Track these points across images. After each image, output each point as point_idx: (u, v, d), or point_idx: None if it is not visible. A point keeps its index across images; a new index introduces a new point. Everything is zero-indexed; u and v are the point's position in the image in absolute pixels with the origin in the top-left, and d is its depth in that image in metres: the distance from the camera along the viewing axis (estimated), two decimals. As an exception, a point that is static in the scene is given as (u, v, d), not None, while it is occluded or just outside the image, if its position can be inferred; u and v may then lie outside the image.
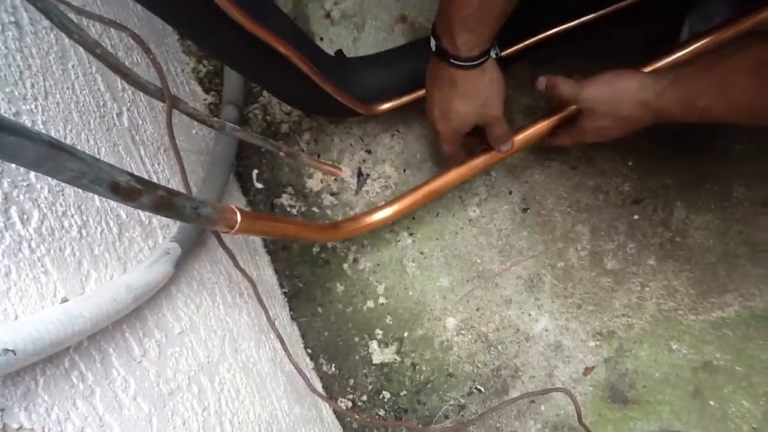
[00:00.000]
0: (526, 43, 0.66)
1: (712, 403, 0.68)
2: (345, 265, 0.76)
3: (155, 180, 0.60)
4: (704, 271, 0.70)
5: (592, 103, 0.56)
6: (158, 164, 0.60)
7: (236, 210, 0.47)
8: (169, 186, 0.59)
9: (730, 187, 0.71)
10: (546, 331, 0.72)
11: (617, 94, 0.54)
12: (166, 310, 0.54)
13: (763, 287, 0.70)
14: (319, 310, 0.77)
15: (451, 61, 0.55)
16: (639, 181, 0.72)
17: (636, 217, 0.72)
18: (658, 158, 0.72)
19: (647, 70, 0.59)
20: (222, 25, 0.48)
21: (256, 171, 0.79)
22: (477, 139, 0.62)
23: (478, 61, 0.54)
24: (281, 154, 0.59)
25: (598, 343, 0.71)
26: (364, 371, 0.75)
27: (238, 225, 0.47)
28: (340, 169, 0.67)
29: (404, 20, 0.78)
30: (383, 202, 0.67)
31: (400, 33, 0.78)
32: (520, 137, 0.63)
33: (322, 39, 0.80)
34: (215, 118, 0.50)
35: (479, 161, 0.64)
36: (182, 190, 0.50)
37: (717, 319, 0.70)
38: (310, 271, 0.77)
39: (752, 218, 0.70)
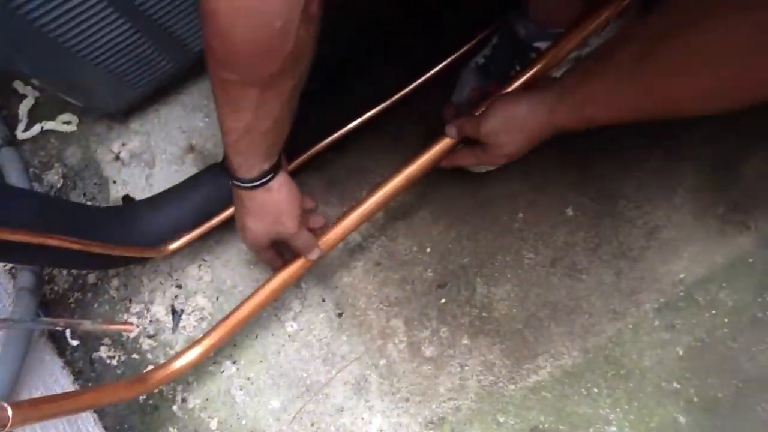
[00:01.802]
0: (310, 152, 0.77)
1: (544, 467, 0.78)
2: (174, 407, 0.82)
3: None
4: (514, 340, 0.81)
5: (493, 136, 0.64)
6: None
7: (6, 406, 0.51)
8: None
9: (521, 254, 0.83)
10: (381, 431, 0.80)
11: (513, 122, 0.61)
12: None
13: (569, 344, 0.81)
14: (155, 460, 0.82)
15: (233, 182, 0.62)
16: (439, 265, 0.83)
17: (443, 300, 0.82)
18: (451, 241, 0.83)
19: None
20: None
21: (69, 329, 0.85)
22: (286, 246, 0.70)
23: (259, 182, 0.61)
24: (59, 328, 0.65)
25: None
26: None
27: (11, 421, 0.53)
28: (131, 323, 0.74)
29: (192, 150, 0.87)
30: (201, 335, 0.74)
31: (190, 163, 0.87)
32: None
33: (115, 182, 0.87)
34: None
35: (288, 272, 0.72)
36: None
37: (534, 384, 0.80)
38: (140, 421, 0.83)
39: (546, 280, 0.82)
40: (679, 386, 0.80)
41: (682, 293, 0.82)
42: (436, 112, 0.74)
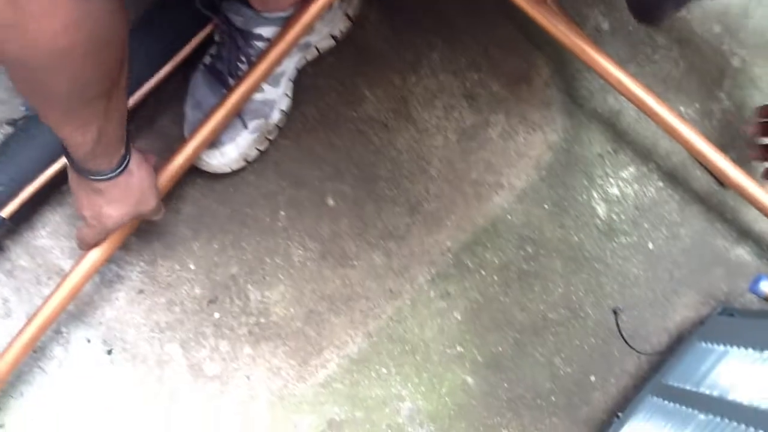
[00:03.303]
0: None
1: (345, 458, 0.83)
2: (-62, 492, 0.79)
3: None
4: (297, 340, 0.85)
5: None
6: None
7: None
8: None
9: (289, 253, 0.87)
10: (173, 462, 0.81)
11: None
12: None
13: (351, 332, 0.87)
14: None
15: (90, 179, 0.62)
16: (207, 280, 0.85)
17: (217, 315, 0.85)
18: (215, 253, 0.86)
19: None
20: None
21: None
22: None
23: (120, 169, 0.63)
24: None
25: (225, 452, 0.82)
26: None
27: None
28: None
29: None
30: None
31: None
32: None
33: None
34: None
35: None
36: None
37: (324, 378, 0.85)
38: None
39: (318, 273, 0.87)
40: (462, 350, 0.88)
41: (451, 260, 0.90)
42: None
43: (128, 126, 0.63)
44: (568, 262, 0.93)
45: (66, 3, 0.37)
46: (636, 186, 0.94)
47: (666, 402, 0.79)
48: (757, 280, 0.82)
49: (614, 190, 0.94)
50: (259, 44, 0.82)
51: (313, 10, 0.80)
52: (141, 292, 0.87)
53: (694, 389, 0.78)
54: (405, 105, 0.93)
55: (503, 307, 0.91)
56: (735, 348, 0.78)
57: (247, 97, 0.80)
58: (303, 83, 0.90)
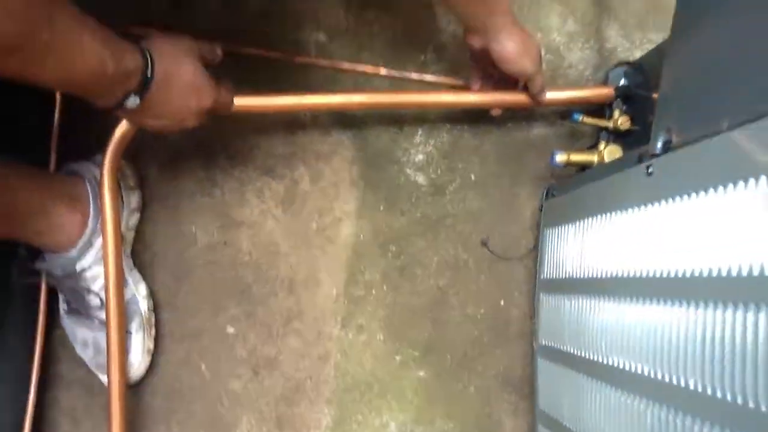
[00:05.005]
0: None
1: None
2: None
3: None
4: None
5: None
6: None
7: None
8: None
9: (230, 389, 1.04)
10: None
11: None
12: None
13: (316, 409, 1.08)
14: None
15: (129, 104, 0.65)
16: None
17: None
18: (177, 433, 1.02)
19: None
20: None
21: None
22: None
23: (149, 57, 0.64)
24: None
25: None
26: None
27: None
28: None
29: None
30: None
31: None
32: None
33: None
34: None
35: None
36: None
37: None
38: None
39: (261, 388, 1.07)
40: (400, 357, 1.07)
41: (344, 301, 1.08)
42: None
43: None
44: (426, 235, 1.10)
45: None
46: (432, 141, 1.11)
47: (551, 296, 0.97)
48: (552, 157, 0.99)
49: (420, 157, 1.11)
50: (89, 274, 0.95)
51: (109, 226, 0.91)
52: None
53: (562, 276, 0.93)
54: (227, 215, 1.08)
55: (406, 305, 1.09)
56: (566, 226, 0.92)
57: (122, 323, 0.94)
58: (143, 260, 1.05)
